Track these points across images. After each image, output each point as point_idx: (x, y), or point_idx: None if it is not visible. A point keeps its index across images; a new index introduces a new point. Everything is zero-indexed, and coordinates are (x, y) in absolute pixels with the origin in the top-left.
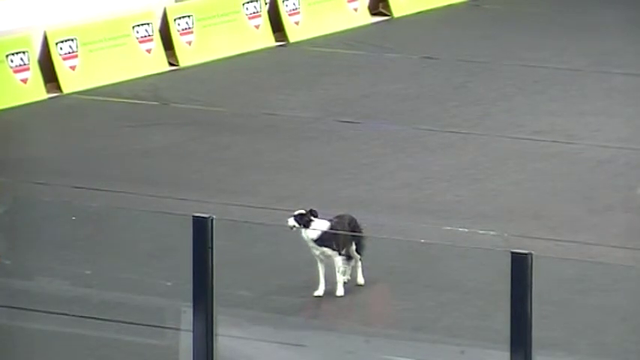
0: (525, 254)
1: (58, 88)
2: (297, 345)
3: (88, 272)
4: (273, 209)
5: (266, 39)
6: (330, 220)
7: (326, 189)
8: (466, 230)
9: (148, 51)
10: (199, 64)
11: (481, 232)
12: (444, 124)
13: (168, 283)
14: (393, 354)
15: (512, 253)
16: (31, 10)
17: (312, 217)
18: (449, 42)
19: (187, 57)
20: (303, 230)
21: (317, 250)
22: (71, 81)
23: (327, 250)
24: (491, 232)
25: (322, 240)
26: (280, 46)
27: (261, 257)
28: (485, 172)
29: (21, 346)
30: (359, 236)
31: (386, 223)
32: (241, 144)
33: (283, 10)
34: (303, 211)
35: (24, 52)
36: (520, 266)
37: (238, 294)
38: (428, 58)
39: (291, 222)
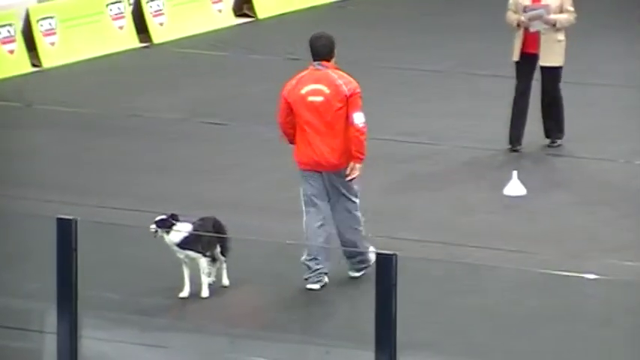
0: (390, 255)
1: None
2: (162, 346)
3: None
4: (139, 211)
5: (130, 40)
6: (192, 223)
7: (192, 191)
8: None
9: (11, 52)
10: (63, 65)
11: None
12: None
13: (33, 285)
14: (258, 355)
15: (378, 253)
16: None
17: (174, 222)
18: None
19: (51, 58)
20: (165, 235)
21: (181, 254)
22: None
23: (191, 253)
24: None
25: (185, 243)
26: (145, 47)
27: (127, 259)
28: None
29: None
30: (223, 238)
31: (253, 224)
32: (106, 146)
33: (147, 11)
34: (164, 217)
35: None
36: (385, 267)
37: (103, 296)
38: (292, 59)
39: (154, 227)
